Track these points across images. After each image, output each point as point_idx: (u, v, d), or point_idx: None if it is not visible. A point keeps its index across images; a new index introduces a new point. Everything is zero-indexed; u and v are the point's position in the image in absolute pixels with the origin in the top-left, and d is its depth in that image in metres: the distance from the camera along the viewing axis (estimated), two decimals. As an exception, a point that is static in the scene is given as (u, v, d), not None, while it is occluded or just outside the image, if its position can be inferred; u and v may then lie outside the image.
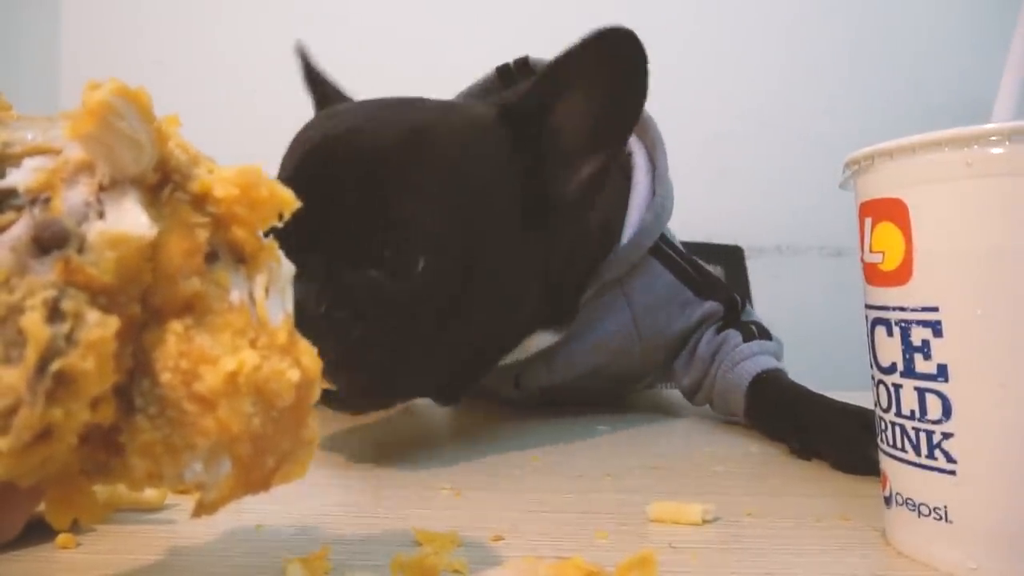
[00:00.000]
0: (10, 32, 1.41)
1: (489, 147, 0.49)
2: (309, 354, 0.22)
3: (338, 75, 0.64)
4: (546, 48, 0.54)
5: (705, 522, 0.34)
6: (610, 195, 0.58)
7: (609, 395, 0.69)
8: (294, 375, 0.21)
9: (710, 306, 0.61)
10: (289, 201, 0.22)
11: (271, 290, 0.22)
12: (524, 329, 0.54)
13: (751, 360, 0.57)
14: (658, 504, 0.35)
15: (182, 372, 0.19)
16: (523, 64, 0.60)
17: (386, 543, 0.31)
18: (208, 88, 1.48)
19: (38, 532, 0.31)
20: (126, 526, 0.33)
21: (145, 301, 0.20)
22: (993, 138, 0.26)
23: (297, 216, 0.46)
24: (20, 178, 0.19)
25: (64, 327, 0.18)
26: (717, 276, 0.66)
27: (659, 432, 0.57)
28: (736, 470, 0.45)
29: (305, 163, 0.46)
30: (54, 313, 0.18)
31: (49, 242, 0.18)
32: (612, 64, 0.47)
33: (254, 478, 0.21)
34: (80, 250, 0.18)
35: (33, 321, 0.17)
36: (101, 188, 0.19)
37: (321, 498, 0.39)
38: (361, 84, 0.62)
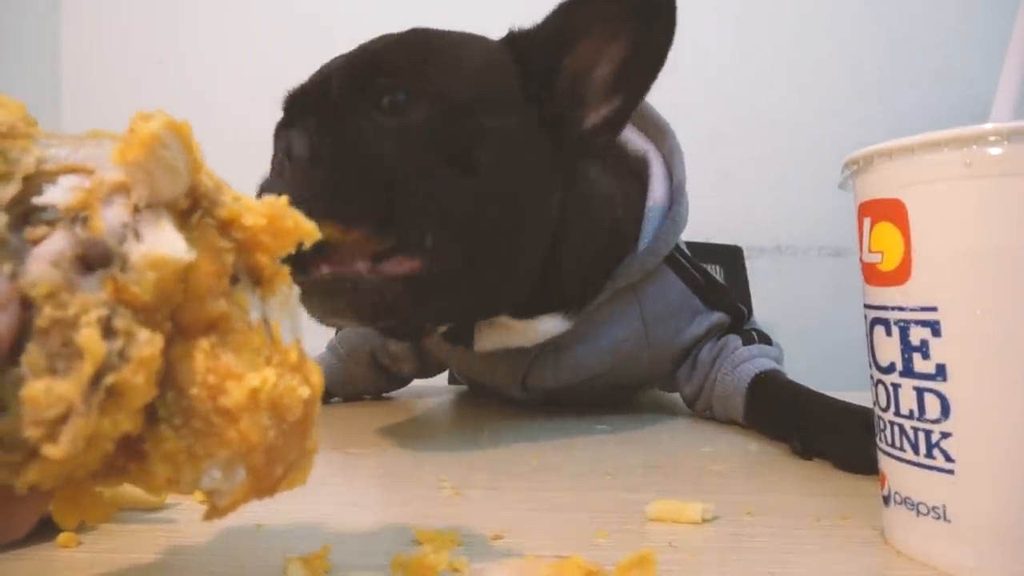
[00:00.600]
0: (10, 32, 1.41)
1: (485, 50, 0.51)
2: (316, 372, 0.23)
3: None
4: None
5: (705, 521, 0.34)
6: (625, 201, 0.59)
7: (612, 399, 0.69)
8: (304, 392, 0.22)
9: (718, 316, 0.61)
10: (312, 232, 0.23)
11: (282, 312, 0.23)
12: (530, 277, 0.52)
13: (751, 362, 0.58)
14: (658, 503, 0.35)
15: (209, 387, 0.20)
16: None
17: (386, 543, 0.31)
18: (208, 88, 1.48)
19: (39, 531, 0.31)
20: (127, 526, 0.33)
21: (173, 318, 0.21)
22: (992, 138, 0.26)
23: (306, 95, 0.49)
24: (58, 196, 0.20)
25: (117, 344, 0.19)
26: (724, 286, 0.66)
27: (659, 432, 0.58)
28: (736, 470, 0.45)
29: (322, 66, 0.51)
30: (107, 330, 0.19)
31: (95, 260, 0.19)
32: (639, 7, 0.48)
33: (263, 485, 0.22)
34: (122, 269, 0.19)
35: (90, 337, 0.18)
36: (136, 210, 0.20)
37: (321, 498, 0.39)
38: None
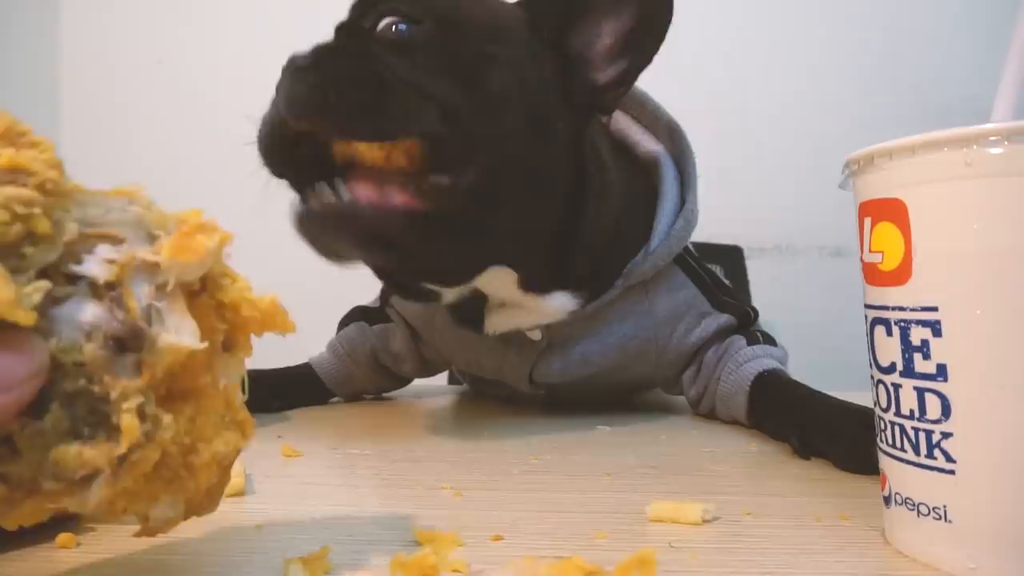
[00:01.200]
0: (10, 32, 1.41)
1: (504, 6, 0.53)
2: (251, 425, 0.26)
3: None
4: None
5: (705, 522, 0.34)
6: (635, 199, 0.59)
7: (615, 399, 0.69)
8: (243, 444, 0.25)
9: (726, 319, 0.61)
10: (292, 327, 0.26)
11: (238, 373, 0.26)
12: (540, 237, 0.53)
13: (754, 361, 0.58)
14: (658, 503, 0.35)
15: (183, 446, 0.23)
16: None
17: (386, 543, 0.31)
18: (208, 88, 1.48)
19: (39, 531, 0.31)
20: (126, 526, 0.33)
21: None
22: (992, 138, 0.26)
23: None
24: (96, 270, 0.21)
25: (146, 426, 0.21)
26: (731, 288, 0.66)
27: (659, 432, 0.58)
28: (736, 470, 0.45)
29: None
30: (142, 416, 0.21)
31: (130, 344, 0.21)
32: None
33: (187, 515, 0.25)
34: (149, 352, 0.22)
35: (131, 424, 0.21)
36: (158, 291, 0.22)
37: (321, 498, 0.39)
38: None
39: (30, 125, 0.22)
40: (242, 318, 0.25)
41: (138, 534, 0.25)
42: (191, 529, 0.33)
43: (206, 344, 0.23)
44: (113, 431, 0.21)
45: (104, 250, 0.22)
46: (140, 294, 0.22)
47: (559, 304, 0.55)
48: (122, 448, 0.21)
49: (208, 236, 0.23)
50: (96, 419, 0.21)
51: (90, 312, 0.21)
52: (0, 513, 0.21)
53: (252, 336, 0.26)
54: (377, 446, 0.52)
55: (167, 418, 0.22)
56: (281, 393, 0.68)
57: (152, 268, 0.22)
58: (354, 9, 0.50)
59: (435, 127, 0.44)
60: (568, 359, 0.60)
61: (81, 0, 1.53)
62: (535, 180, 0.50)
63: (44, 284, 0.20)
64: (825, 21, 1.49)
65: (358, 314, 0.72)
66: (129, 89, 1.47)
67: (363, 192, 0.45)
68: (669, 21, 0.50)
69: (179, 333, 0.22)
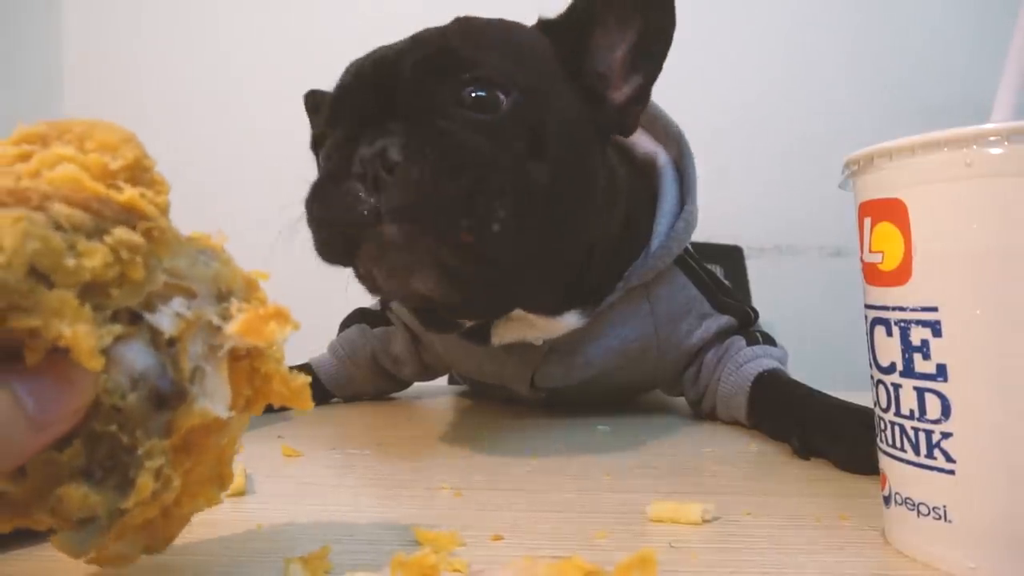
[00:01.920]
0: (11, 32, 1.41)
1: (535, 36, 0.52)
2: (231, 479, 0.26)
3: (336, 78, 0.64)
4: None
5: (705, 521, 0.34)
6: (635, 201, 0.59)
7: (616, 400, 0.69)
8: (218, 500, 0.26)
9: (726, 320, 0.61)
10: (310, 406, 0.26)
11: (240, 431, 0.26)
12: (573, 269, 0.53)
13: (754, 362, 0.58)
14: (658, 504, 0.35)
15: (167, 501, 0.23)
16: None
17: (386, 543, 0.31)
18: (208, 88, 1.48)
19: (39, 532, 0.31)
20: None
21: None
22: (992, 138, 0.26)
23: (367, 94, 0.46)
24: (165, 323, 0.22)
25: (157, 486, 0.21)
26: (731, 289, 0.66)
27: (659, 432, 0.57)
28: (736, 470, 0.45)
29: (370, 59, 0.48)
30: (157, 477, 0.21)
31: (170, 401, 0.22)
32: None
33: (142, 552, 0.25)
34: (183, 413, 0.22)
35: (145, 483, 0.21)
36: (211, 352, 0.23)
37: (321, 498, 0.39)
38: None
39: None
40: (270, 389, 0.25)
41: (89, 561, 0.24)
42: (191, 529, 0.33)
43: (232, 415, 0.23)
44: (124, 483, 0.21)
45: (177, 303, 0.22)
46: (194, 353, 0.22)
47: (568, 322, 0.55)
48: (129, 504, 0.21)
49: (280, 326, 0.23)
50: (112, 465, 0.21)
51: (146, 362, 0.21)
52: None
53: None
54: (377, 446, 0.52)
55: (177, 482, 0.22)
56: None
57: (214, 330, 0.23)
58: (427, 82, 0.45)
59: (513, 215, 0.43)
60: (570, 363, 0.60)
61: (81, 0, 1.53)
62: (576, 221, 0.51)
63: (117, 328, 0.20)
64: (825, 21, 1.49)
65: (359, 316, 0.73)
66: (131, 87, 1.48)
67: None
68: (673, 26, 0.50)
69: (213, 400, 0.23)
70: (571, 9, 0.52)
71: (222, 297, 0.23)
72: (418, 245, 0.43)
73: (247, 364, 0.24)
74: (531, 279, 0.49)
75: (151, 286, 0.21)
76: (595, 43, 0.52)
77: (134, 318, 0.21)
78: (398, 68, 0.46)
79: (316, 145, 0.53)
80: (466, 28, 0.49)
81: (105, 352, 0.20)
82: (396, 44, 0.49)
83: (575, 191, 0.49)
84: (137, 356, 0.21)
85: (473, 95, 0.45)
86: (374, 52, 0.49)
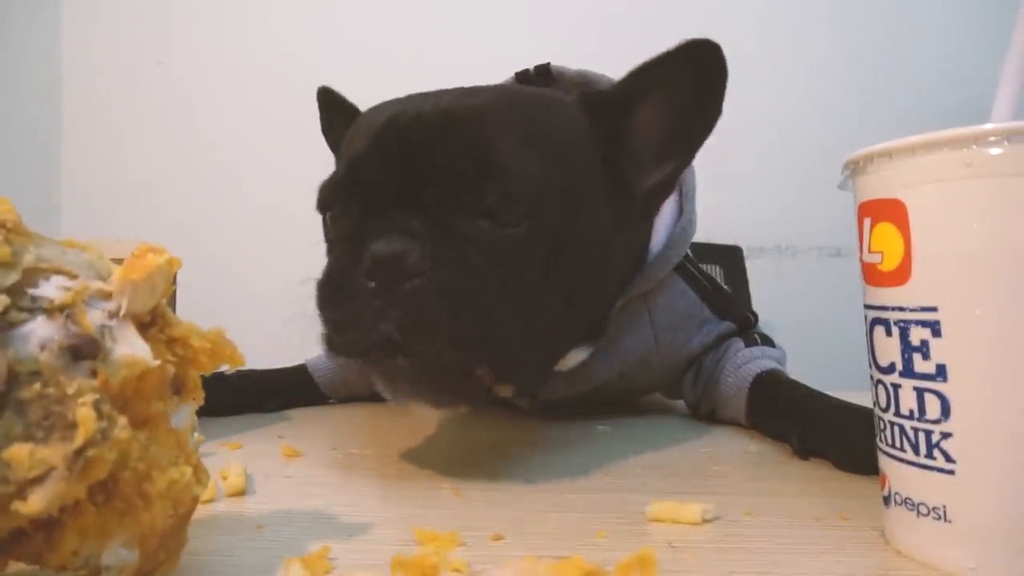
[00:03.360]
0: (10, 32, 1.41)
1: (571, 120, 0.49)
2: (206, 474, 0.27)
3: (336, 78, 0.64)
4: (540, 51, 0.54)
5: (705, 521, 0.34)
6: None
7: (616, 402, 0.69)
8: (199, 491, 0.26)
9: (726, 326, 0.61)
10: (241, 359, 0.28)
11: (190, 419, 0.27)
12: (595, 315, 0.53)
13: (753, 363, 0.58)
14: (658, 503, 0.35)
15: (139, 473, 0.24)
16: (544, 71, 0.60)
17: (386, 543, 0.31)
18: (208, 89, 1.48)
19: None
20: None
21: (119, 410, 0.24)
22: (992, 138, 0.26)
23: (387, 174, 0.43)
24: (51, 292, 0.23)
25: (102, 423, 0.22)
26: (731, 294, 0.66)
27: (659, 432, 0.57)
28: (736, 470, 0.45)
29: (392, 126, 0.44)
30: (98, 412, 0.22)
31: (84, 352, 0.23)
32: (695, 75, 0.47)
33: (146, 568, 0.25)
34: (103, 361, 0.23)
35: (87, 415, 0.21)
36: (111, 316, 0.24)
37: (321, 498, 0.39)
38: (363, 87, 0.61)
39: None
40: (192, 351, 0.26)
41: None
42: (192, 529, 0.33)
43: (159, 363, 0.24)
44: (68, 430, 0.21)
45: (59, 280, 0.23)
46: (94, 317, 0.23)
47: (576, 357, 0.55)
48: (78, 441, 0.21)
49: (157, 254, 0.25)
50: (51, 423, 0.21)
51: (44, 329, 0.22)
52: None
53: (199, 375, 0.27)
54: (377, 446, 0.52)
55: (122, 419, 0.22)
56: (274, 394, 0.68)
57: (105, 296, 0.24)
58: (452, 179, 0.42)
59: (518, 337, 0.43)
60: (571, 377, 0.59)
61: (81, 1, 1.53)
62: (594, 307, 0.51)
63: (4, 299, 0.22)
64: (825, 21, 1.49)
65: None
66: (129, 90, 1.48)
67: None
68: (720, 113, 0.48)
69: (133, 347, 0.24)
70: (620, 88, 0.49)
71: (103, 278, 0.25)
72: (433, 380, 0.42)
73: (159, 332, 0.26)
74: (555, 358, 0.50)
75: (23, 263, 0.23)
76: (637, 124, 0.49)
77: (30, 311, 0.22)
78: (424, 151, 0.42)
79: (325, 206, 0.48)
80: (503, 112, 0.45)
81: (2, 336, 0.21)
82: (423, 109, 0.44)
83: (594, 290, 0.49)
84: (37, 329, 0.22)
85: (499, 204, 0.42)
86: (396, 115, 0.45)
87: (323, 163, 0.56)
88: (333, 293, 0.43)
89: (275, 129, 1.48)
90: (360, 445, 0.52)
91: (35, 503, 0.21)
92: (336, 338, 0.43)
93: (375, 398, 0.75)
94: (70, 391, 0.22)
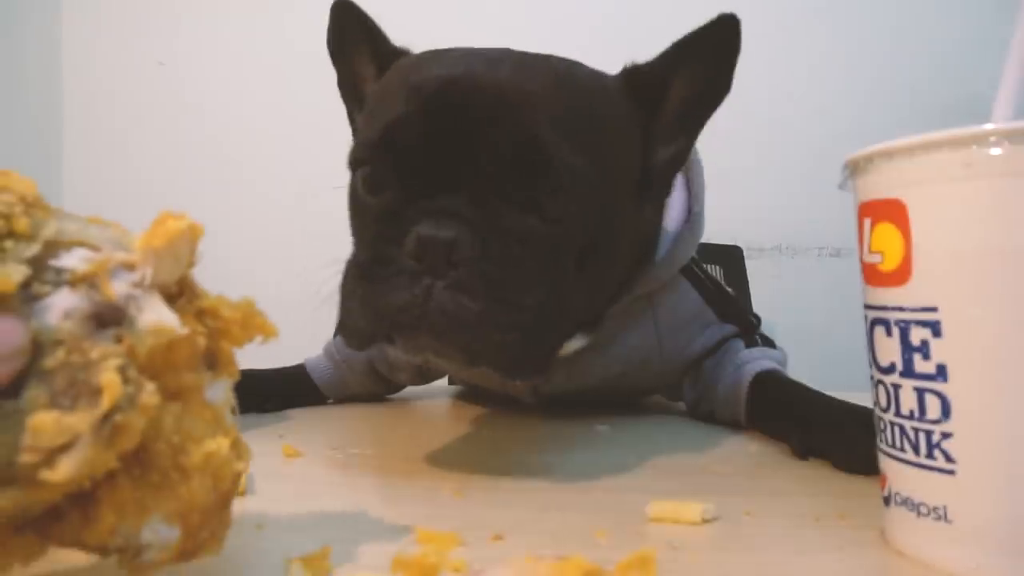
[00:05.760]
0: (11, 32, 1.41)
1: (620, 107, 0.49)
2: (247, 453, 0.26)
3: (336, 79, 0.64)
4: (542, 43, 0.53)
5: (705, 521, 0.34)
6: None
7: (616, 403, 0.69)
8: (239, 466, 0.25)
9: (729, 329, 0.61)
10: (273, 330, 0.27)
11: (227, 395, 0.26)
12: (602, 307, 0.53)
13: (753, 363, 0.58)
14: (658, 503, 0.35)
15: (173, 445, 0.23)
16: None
17: (386, 543, 0.31)
18: (208, 89, 1.48)
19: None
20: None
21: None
22: (992, 139, 0.26)
23: (436, 152, 0.42)
24: (74, 262, 0.23)
25: (129, 388, 0.21)
26: (735, 297, 0.66)
27: (659, 432, 0.58)
28: (736, 470, 0.45)
29: (442, 98, 0.43)
30: (124, 377, 0.21)
31: (108, 319, 0.22)
32: (715, 50, 0.49)
33: (188, 547, 0.24)
34: (128, 328, 0.22)
35: (112, 379, 0.21)
36: (136, 286, 0.23)
37: (321, 498, 0.39)
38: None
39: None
40: (223, 322, 0.25)
41: (127, 567, 0.23)
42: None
43: (188, 331, 0.23)
44: (94, 397, 0.21)
45: (82, 252, 0.23)
46: (118, 287, 0.23)
47: (574, 345, 0.55)
48: (104, 405, 0.21)
49: (177, 220, 0.24)
50: (76, 391, 0.21)
51: (67, 300, 0.22)
52: None
53: (238, 348, 0.26)
54: (377, 446, 0.52)
55: (149, 385, 0.22)
56: (273, 394, 0.68)
57: (129, 267, 0.23)
58: (505, 164, 0.41)
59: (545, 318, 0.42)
60: (573, 372, 0.59)
61: (81, 1, 1.53)
62: (609, 289, 0.52)
63: (24, 269, 0.21)
64: (825, 21, 1.49)
65: None
66: (130, 90, 1.48)
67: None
68: (728, 89, 0.49)
69: (160, 315, 0.23)
70: (659, 64, 0.50)
71: (127, 250, 0.24)
72: (464, 346, 0.41)
73: (187, 304, 0.25)
74: (566, 336, 0.50)
75: (45, 235, 0.22)
76: (668, 100, 0.50)
77: (54, 283, 0.22)
78: (476, 137, 0.41)
79: (357, 164, 0.46)
80: (557, 101, 0.44)
81: (26, 308, 0.21)
82: (476, 81, 0.43)
83: (609, 281, 0.50)
84: (59, 300, 0.22)
85: (548, 200, 0.42)
86: (446, 85, 0.43)
87: (324, 163, 0.56)
88: (369, 271, 0.41)
89: (275, 129, 1.48)
90: (360, 445, 0.52)
91: (63, 470, 0.20)
92: (359, 319, 0.42)
93: (374, 399, 0.75)
94: (94, 356, 0.21)
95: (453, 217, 0.40)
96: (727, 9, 0.49)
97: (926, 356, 0.28)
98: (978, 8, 1.43)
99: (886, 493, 0.31)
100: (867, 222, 0.30)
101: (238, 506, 0.37)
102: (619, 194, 0.47)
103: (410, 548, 0.30)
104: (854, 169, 0.31)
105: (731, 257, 1.18)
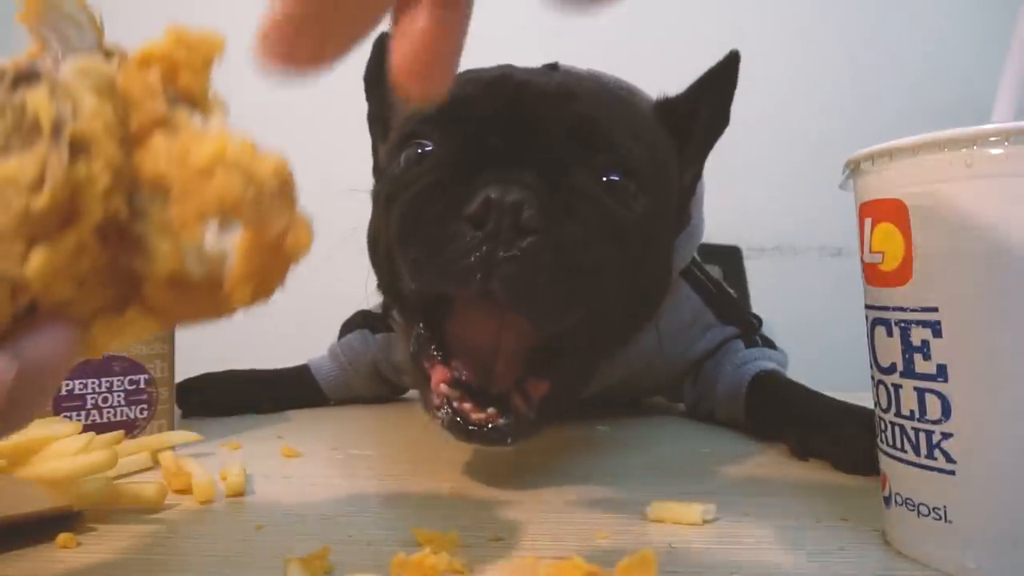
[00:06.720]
0: (11, 32, 1.41)
1: (657, 124, 0.51)
2: (276, 153, 0.24)
3: (337, 79, 0.64)
4: (544, 53, 0.54)
5: (705, 522, 0.34)
6: None
7: (617, 404, 0.69)
8: (271, 161, 0.23)
9: (730, 331, 0.61)
10: (219, 42, 0.26)
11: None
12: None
13: (752, 363, 0.58)
14: (658, 504, 0.35)
15: (175, 156, 0.22)
16: (553, 70, 0.60)
17: (386, 543, 0.31)
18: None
19: (39, 531, 0.31)
20: (126, 526, 0.33)
21: (125, 134, 0.22)
22: (992, 139, 0.26)
23: (499, 128, 0.42)
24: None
25: (67, 105, 0.21)
26: (736, 298, 0.66)
27: (659, 432, 0.58)
28: (736, 470, 0.45)
29: (509, 82, 0.44)
30: (53, 96, 0.21)
31: (27, 75, 0.21)
32: (725, 84, 0.51)
33: (266, 242, 0.22)
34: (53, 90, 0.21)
35: (38, 97, 0.20)
36: (56, 60, 0.22)
37: (321, 498, 0.39)
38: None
39: None
40: (167, 60, 0.24)
41: (235, 297, 0.22)
42: (191, 529, 0.33)
43: (113, 64, 0.23)
44: (36, 130, 0.20)
45: None
46: (40, 64, 0.22)
47: None
48: (44, 126, 0.20)
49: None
50: (17, 137, 0.20)
51: None
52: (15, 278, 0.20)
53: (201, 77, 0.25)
54: (377, 446, 0.52)
55: (89, 96, 0.21)
56: (275, 394, 0.67)
57: (41, 53, 0.23)
58: (572, 147, 0.41)
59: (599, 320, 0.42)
60: None
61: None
62: (644, 321, 0.52)
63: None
64: (825, 21, 1.49)
65: (361, 320, 0.71)
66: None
67: (518, 399, 0.40)
68: (727, 120, 0.52)
69: (85, 63, 0.22)
70: (687, 98, 0.51)
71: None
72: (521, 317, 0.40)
73: (121, 64, 0.23)
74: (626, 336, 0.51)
75: None
76: (695, 129, 0.52)
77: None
78: (545, 114, 0.41)
79: (410, 136, 0.45)
80: (604, 98, 0.46)
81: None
82: (533, 77, 0.45)
83: (660, 289, 0.51)
84: None
85: (611, 179, 0.42)
86: (509, 74, 0.45)
87: (325, 164, 0.56)
88: (424, 230, 0.39)
89: (276, 129, 1.48)
90: (360, 445, 0.52)
91: (41, 197, 0.20)
92: (422, 273, 0.40)
93: (376, 400, 0.75)
94: (15, 98, 0.20)
95: (524, 186, 0.38)
96: (727, 11, 0.49)
97: (927, 356, 0.28)
98: (978, 8, 1.43)
99: (886, 493, 0.31)
100: (868, 222, 0.30)
101: (238, 506, 0.37)
102: (668, 210, 0.49)
103: (410, 548, 0.30)
104: (855, 169, 0.31)
105: (730, 257, 1.18)
